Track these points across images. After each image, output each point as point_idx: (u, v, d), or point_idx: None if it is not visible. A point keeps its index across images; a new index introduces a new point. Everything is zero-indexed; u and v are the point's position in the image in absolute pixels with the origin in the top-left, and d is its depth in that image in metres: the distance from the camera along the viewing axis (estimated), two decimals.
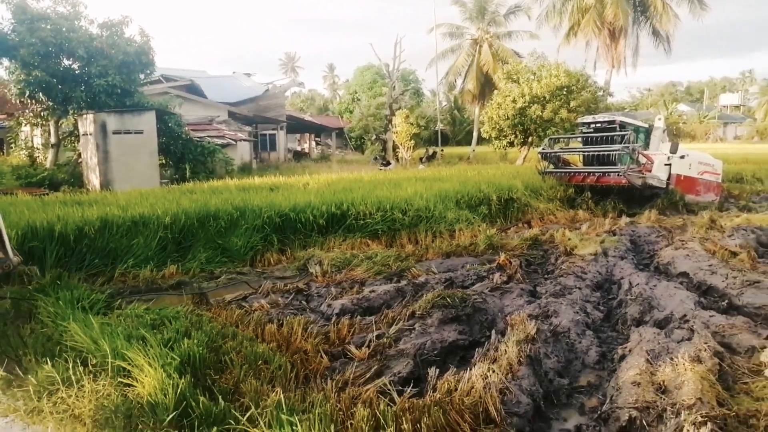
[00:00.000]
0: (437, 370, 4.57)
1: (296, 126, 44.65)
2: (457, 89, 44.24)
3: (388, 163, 30.03)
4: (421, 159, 33.65)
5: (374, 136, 38.30)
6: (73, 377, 3.93)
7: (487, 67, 37.92)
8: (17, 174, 19.19)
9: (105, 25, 20.60)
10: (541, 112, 26.28)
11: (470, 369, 4.47)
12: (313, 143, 53.31)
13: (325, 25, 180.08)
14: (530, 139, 27.82)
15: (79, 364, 4.13)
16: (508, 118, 27.38)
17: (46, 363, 4.22)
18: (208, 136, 23.91)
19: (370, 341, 5.28)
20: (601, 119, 16.20)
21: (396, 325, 5.76)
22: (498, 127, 28.13)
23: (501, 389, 4.21)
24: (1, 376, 4.14)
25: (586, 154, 16.34)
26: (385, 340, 5.35)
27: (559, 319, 5.91)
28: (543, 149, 17.23)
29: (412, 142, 32.94)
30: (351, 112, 52.73)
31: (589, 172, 15.39)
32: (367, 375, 4.63)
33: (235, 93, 35.31)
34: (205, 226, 9.31)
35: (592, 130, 16.04)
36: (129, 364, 4.05)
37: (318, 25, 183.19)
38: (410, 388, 4.33)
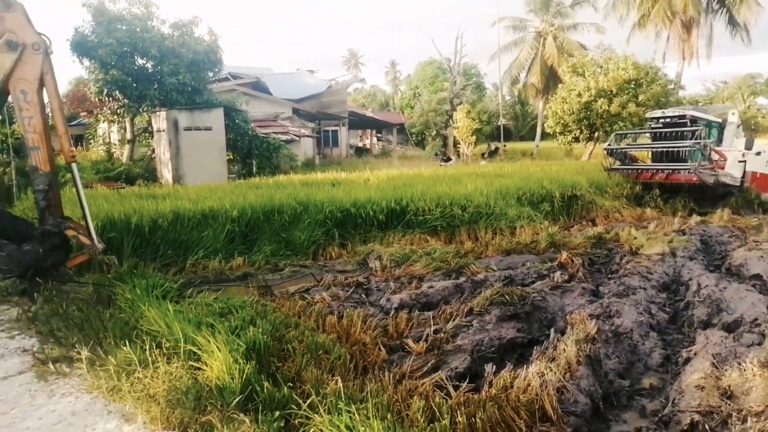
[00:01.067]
0: (494, 367, 4.60)
1: (358, 122, 45.12)
2: (520, 83, 43.46)
3: (449, 159, 29.93)
4: (482, 155, 33.37)
5: (435, 132, 38.22)
6: (149, 359, 4.21)
7: (552, 61, 37.06)
8: (96, 168, 20.34)
9: (176, 25, 21.47)
10: (608, 106, 25.48)
11: (527, 367, 4.48)
12: (374, 139, 53.68)
13: (388, 22, 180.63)
14: (596, 134, 27.04)
15: (155, 347, 4.42)
16: (573, 113, 26.71)
17: (125, 345, 4.53)
18: (273, 133, 24.55)
19: (427, 336, 5.36)
20: (671, 114, 15.58)
21: (453, 320, 5.81)
22: (562, 122, 27.48)
23: (558, 388, 4.20)
24: (86, 356, 4.48)
25: (654, 150, 15.77)
26: (442, 335, 5.42)
27: (621, 319, 5.80)
28: (609, 145, 16.75)
29: (474, 137, 32.68)
30: (412, 107, 52.76)
31: (658, 169, 14.85)
32: (424, 369, 4.71)
33: (299, 90, 36.03)
34: (270, 220, 9.63)
35: (661, 125, 15.47)
36: (199, 348, 4.30)
37: (380, 22, 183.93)
38: (466, 383, 4.39)
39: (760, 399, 3.93)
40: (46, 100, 6.82)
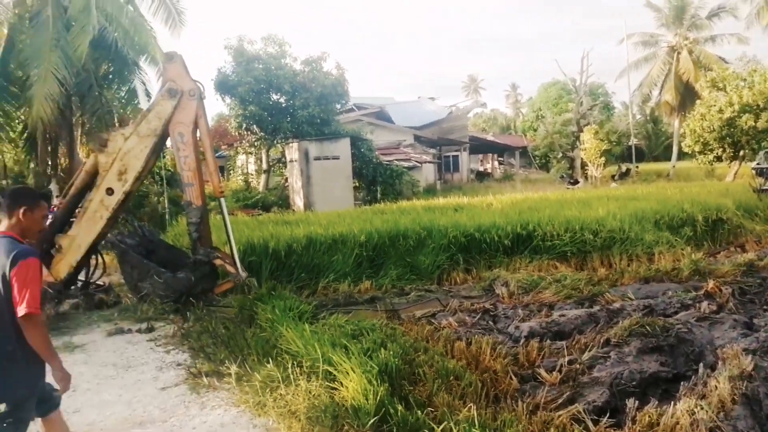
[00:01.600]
0: (636, 402, 4.32)
1: (479, 146, 44.89)
2: (652, 101, 41.00)
3: (576, 182, 28.83)
4: (612, 176, 31.76)
5: (560, 154, 37.02)
6: (291, 377, 4.45)
7: (688, 76, 34.56)
8: (236, 197, 22.00)
9: (306, 61, 22.86)
10: (754, 122, 23.26)
11: (675, 403, 4.16)
12: (496, 163, 53.05)
13: (507, 44, 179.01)
14: (741, 152, 24.78)
15: (295, 365, 4.66)
16: (713, 130, 24.69)
17: (267, 363, 4.83)
18: (396, 160, 25.15)
19: (561, 366, 5.16)
20: None
21: (589, 351, 5.54)
22: (702, 140, 25.48)
23: (711, 428, 3.86)
24: (234, 371, 4.83)
25: None
26: (577, 366, 5.19)
27: None
28: (758, 164, 15.28)
29: (603, 158, 31.18)
30: (535, 130, 51.61)
31: None
32: (559, 401, 4.53)
33: (420, 117, 36.65)
34: (395, 245, 9.82)
35: None
36: (335, 368, 4.47)
37: (499, 44, 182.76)
38: (606, 418, 4.16)
39: None
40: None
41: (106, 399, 5.13)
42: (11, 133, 17.84)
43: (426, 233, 10.11)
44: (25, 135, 17.70)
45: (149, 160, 7.51)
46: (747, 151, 24.23)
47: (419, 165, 27.58)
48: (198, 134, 7.48)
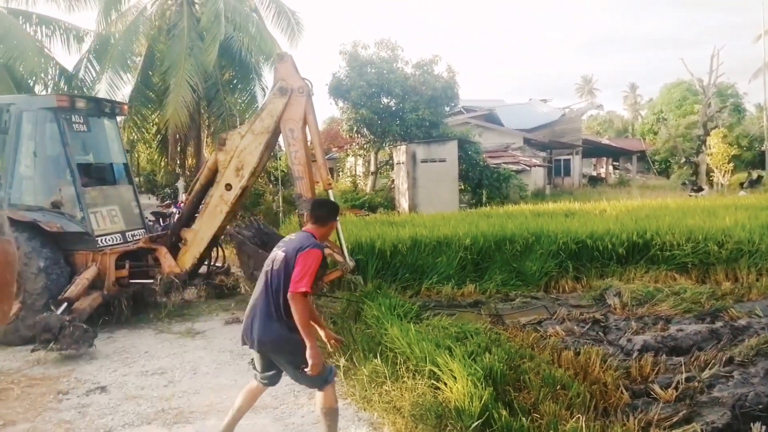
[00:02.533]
0: (764, 427, 4.01)
1: (592, 150, 43.05)
2: None
3: (701, 189, 26.86)
4: (741, 184, 29.27)
5: (683, 159, 34.62)
6: (396, 373, 4.57)
7: None
8: (344, 198, 22.66)
9: (418, 65, 23.05)
10: None
11: None
12: (611, 167, 50.59)
13: (625, 43, 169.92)
14: None
15: (401, 363, 4.78)
16: None
17: (373, 358, 4.98)
18: (503, 163, 24.73)
19: (677, 383, 4.88)
20: None
21: (710, 369, 5.20)
22: None
23: None
24: (343, 365, 5.04)
25: None
26: (696, 384, 4.89)
27: None
28: None
29: (731, 165, 28.79)
30: (655, 133, 48.60)
31: None
32: (674, 419, 4.31)
33: (531, 119, 35.77)
34: (501, 249, 9.69)
35: None
36: (439, 369, 4.53)
37: (617, 44, 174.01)
38: None
39: None
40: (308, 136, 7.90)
41: (223, 383, 5.53)
42: (146, 135, 19.61)
43: (534, 238, 9.88)
44: (158, 136, 19.40)
45: (263, 156, 7.93)
46: None
47: (528, 168, 26.92)
48: (308, 130, 7.80)
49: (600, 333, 6.76)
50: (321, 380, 3.84)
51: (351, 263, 7.15)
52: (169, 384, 5.57)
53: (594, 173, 48.28)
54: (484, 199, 21.06)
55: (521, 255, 9.71)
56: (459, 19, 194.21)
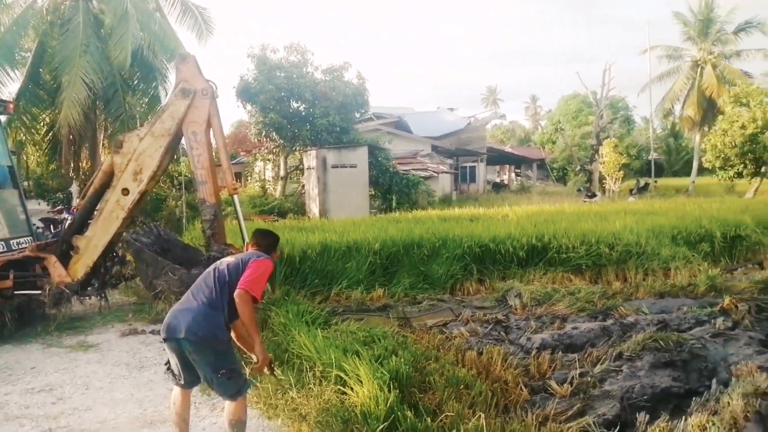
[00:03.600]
0: (647, 416, 4.30)
1: (496, 158, 44.85)
2: (674, 115, 40.65)
3: (594, 195, 28.66)
4: (630, 191, 31.52)
5: (578, 167, 36.84)
6: (302, 380, 4.49)
7: (711, 91, 34.23)
8: (253, 203, 22.18)
9: (328, 70, 23.06)
10: None
11: (686, 419, 4.14)
12: (513, 175, 52.91)
13: (528, 56, 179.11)
14: (763, 169, 24.47)
15: (307, 370, 4.71)
16: (735, 146, 24.44)
17: (279, 366, 4.87)
18: (412, 169, 25.22)
19: (572, 378, 5.15)
20: None
21: (601, 364, 5.52)
22: (723, 156, 25.23)
23: None
24: (247, 373, 4.88)
25: None
26: (588, 379, 5.17)
27: None
28: None
29: (621, 172, 30.96)
30: (553, 142, 51.43)
31: None
32: (569, 413, 4.53)
33: (439, 127, 36.72)
34: (409, 253, 9.83)
35: None
36: (346, 374, 4.51)
37: (520, 57, 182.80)
38: (616, 431, 4.15)
39: None
40: (212, 139, 7.67)
41: (118, 398, 5.22)
42: (36, 136, 18.22)
43: (440, 243, 10.11)
44: (49, 137, 18.08)
45: (163, 159, 7.61)
46: None
47: (436, 175, 27.60)
48: (212, 133, 7.57)
49: (502, 333, 7.00)
50: (235, 389, 3.74)
51: None
52: (58, 401, 5.18)
53: (498, 180, 50.30)
54: (393, 204, 21.35)
55: (428, 259, 9.90)
56: (369, 27, 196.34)
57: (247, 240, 7.22)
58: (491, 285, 9.65)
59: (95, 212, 7.86)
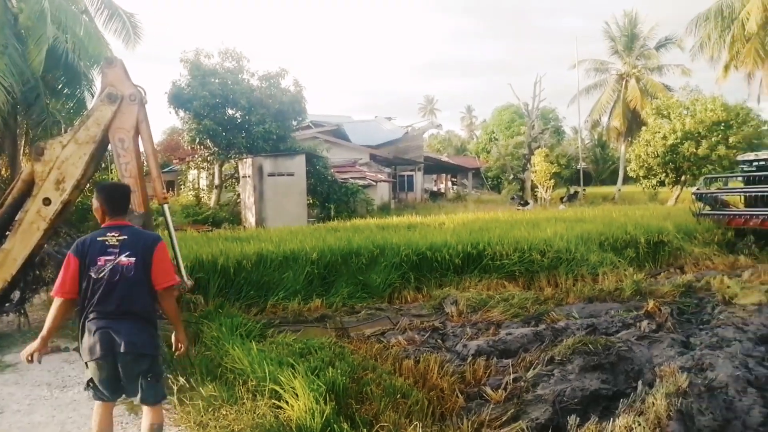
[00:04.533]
0: (577, 419, 4.43)
1: (433, 167, 45.50)
2: (601, 126, 42.56)
3: (527, 203, 29.51)
4: (561, 199, 32.65)
5: (512, 176, 37.89)
6: (235, 395, 4.37)
7: (635, 103, 36.11)
8: (186, 212, 21.55)
9: (264, 77, 22.76)
10: (696, 149, 24.45)
11: (614, 420, 4.28)
12: (450, 183, 53.81)
13: (464, 67, 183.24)
14: (683, 178, 25.93)
15: (240, 384, 4.58)
16: (657, 156, 25.80)
17: (211, 382, 4.73)
18: (351, 178, 25.21)
19: (506, 384, 5.24)
20: (765, 156, 14.74)
21: (534, 369, 5.65)
22: (646, 165, 26.58)
23: None
24: (176, 390, 4.71)
25: (748, 194, 14.90)
26: (522, 384, 5.28)
27: (715, 373, 5.44)
28: (698, 189, 16.01)
29: (552, 181, 32.10)
30: (488, 152, 52.67)
31: (752, 215, 13.98)
32: (503, 418, 4.60)
33: (377, 136, 36.93)
34: (347, 263, 9.80)
35: (754, 169, 14.63)
36: (281, 387, 4.42)
37: (458, 68, 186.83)
38: None
39: None
40: (141, 147, 7.39)
41: (38, 420, 4.91)
42: None
43: (378, 251, 10.13)
44: None
45: (88, 167, 7.25)
46: (688, 176, 25.36)
47: (374, 183, 27.71)
48: (140, 140, 7.29)
49: (438, 340, 7.06)
50: (162, 392, 3.72)
51: (189, 282, 6.76)
52: None
53: (435, 188, 51.02)
54: (332, 213, 21.26)
55: (367, 268, 9.90)
56: (306, 35, 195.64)
57: (178, 252, 7.00)
58: (428, 293, 9.74)
59: (14, 223, 7.39)
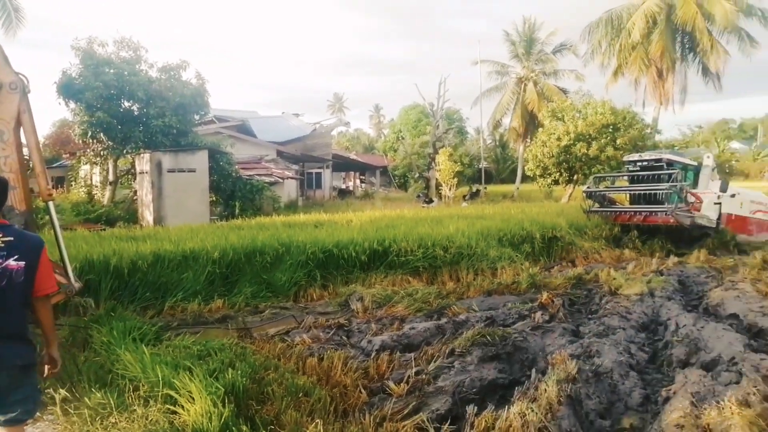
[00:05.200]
0: (475, 408, 4.58)
1: (342, 164, 45.52)
2: (502, 127, 44.42)
3: (431, 201, 30.21)
4: (464, 197, 33.71)
5: (418, 174, 38.69)
6: (125, 402, 4.13)
7: (532, 106, 37.99)
8: (77, 210, 20.16)
9: (164, 68, 21.71)
10: (587, 149, 26.07)
11: (509, 408, 4.46)
12: (358, 181, 54.07)
13: (373, 66, 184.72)
14: (575, 177, 27.57)
15: (131, 390, 4.34)
16: (552, 156, 27.26)
17: (99, 389, 4.44)
18: (257, 175, 24.66)
19: (408, 377, 5.32)
20: (647, 157, 15.97)
21: (435, 362, 5.78)
22: (542, 165, 28.01)
23: (540, 429, 4.18)
24: (59, 399, 4.38)
25: (632, 192, 16.09)
26: (423, 376, 5.38)
27: (601, 359, 5.81)
28: (588, 188, 17.09)
29: (456, 179, 33.09)
30: (395, 150, 53.49)
31: (635, 211, 15.13)
32: (405, 411, 4.66)
33: (284, 133, 36.40)
34: (251, 261, 9.58)
35: (638, 169, 15.82)
36: (176, 392, 4.23)
37: (366, 67, 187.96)
38: (447, 425, 4.35)
39: None
40: (23, 139, 6.82)
41: None
42: None
43: (284, 249, 9.98)
44: None
45: None
46: (580, 175, 26.97)
47: (281, 181, 27.28)
48: (22, 132, 6.73)
49: (344, 337, 7.06)
50: (36, 408, 3.44)
51: (77, 285, 6.32)
52: None
53: (343, 186, 51.06)
54: (237, 211, 20.69)
55: (271, 266, 9.72)
56: (211, 26, 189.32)
57: (65, 253, 6.53)
58: (335, 290, 9.72)
59: None
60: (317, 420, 4.02)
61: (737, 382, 5.01)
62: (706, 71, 32.13)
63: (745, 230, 15.07)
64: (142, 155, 19.43)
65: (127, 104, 21.24)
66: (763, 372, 5.27)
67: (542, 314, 7.65)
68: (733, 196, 14.92)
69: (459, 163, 33.84)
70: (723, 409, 4.31)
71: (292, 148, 34.91)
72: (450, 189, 32.90)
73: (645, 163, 15.71)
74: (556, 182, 28.68)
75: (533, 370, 5.51)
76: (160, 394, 4.24)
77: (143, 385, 4.46)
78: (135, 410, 4.03)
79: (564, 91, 38.16)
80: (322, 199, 36.24)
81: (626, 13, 32.00)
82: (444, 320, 7.45)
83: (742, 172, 60.79)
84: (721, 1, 28.98)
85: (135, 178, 21.64)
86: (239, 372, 4.65)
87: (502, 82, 41.44)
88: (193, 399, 4.02)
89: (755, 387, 4.74)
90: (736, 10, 29.16)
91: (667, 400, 4.89)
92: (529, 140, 36.79)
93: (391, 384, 5.19)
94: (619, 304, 8.24)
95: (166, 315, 8.14)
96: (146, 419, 3.94)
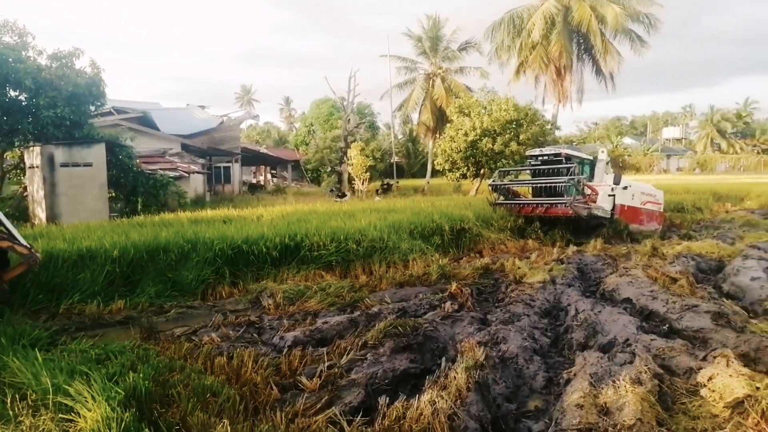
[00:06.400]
0: (387, 399, 4.61)
1: (252, 158, 44.52)
2: (412, 122, 45.13)
3: (344, 195, 30.20)
4: (376, 191, 33.96)
5: (330, 169, 38.51)
6: (10, 413, 3.80)
7: (441, 101, 38.87)
8: None
9: (54, 56, 20.21)
10: (492, 145, 27.01)
11: (420, 396, 4.53)
12: (269, 176, 53.10)
13: (283, 59, 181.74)
14: (482, 171, 28.48)
15: (18, 399, 4.01)
16: (460, 151, 28.02)
17: None
18: (160, 169, 23.58)
19: (321, 372, 5.28)
20: (547, 152, 16.75)
21: (348, 355, 5.78)
22: (451, 159, 28.72)
23: (449, 415, 4.28)
24: None
25: (534, 186, 16.83)
26: (336, 370, 5.37)
27: (507, 345, 6.04)
28: (493, 181, 17.70)
29: (368, 174, 33.26)
30: (307, 144, 52.95)
31: (537, 204, 15.84)
32: (318, 406, 4.63)
33: (189, 125, 35.07)
34: (154, 260, 9.14)
35: (539, 163, 16.55)
36: (71, 399, 3.95)
37: (275, 59, 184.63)
38: (360, 417, 4.36)
39: (632, 413, 4.22)
40: None
41: None
42: None
43: (190, 246, 9.60)
44: None
45: None
46: (486, 169, 27.89)
47: (187, 175, 26.25)
48: None
49: (255, 335, 6.90)
50: None
51: (38, 255, 5.86)
52: None
53: (254, 180, 49.98)
54: (139, 207, 19.68)
55: (177, 264, 9.33)
56: (108, 11, 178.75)
57: (9, 223, 5.98)
58: (245, 287, 9.48)
59: None
60: (225, 420, 3.89)
61: (631, 362, 5.37)
62: (599, 71, 34.20)
63: (637, 220, 16.18)
64: (31, 148, 18.03)
65: (13, 93, 19.58)
66: (653, 352, 5.69)
67: (452, 304, 7.84)
68: (625, 188, 15.96)
69: (371, 158, 34.05)
70: (618, 388, 4.60)
71: (198, 141, 33.72)
72: (363, 183, 33.03)
73: (545, 158, 16.46)
74: (464, 176, 29.50)
75: (443, 359, 5.63)
76: (50, 401, 3.95)
77: (31, 393, 4.14)
78: (22, 420, 3.72)
79: (470, 89, 39.32)
80: (232, 194, 35.27)
81: (527, 13, 33.43)
82: (357, 313, 7.47)
83: (634, 166, 65.53)
84: (611, 4, 30.93)
85: (24, 173, 20.06)
86: (141, 375, 4.43)
87: (411, 78, 42.11)
88: (91, 405, 3.77)
89: (646, 366, 5.11)
90: (625, 14, 31.22)
91: (568, 381, 5.16)
92: (438, 135, 37.61)
93: (304, 379, 5.14)
94: (523, 292, 8.60)
95: (62, 318, 7.60)
96: (36, 429, 3.65)
